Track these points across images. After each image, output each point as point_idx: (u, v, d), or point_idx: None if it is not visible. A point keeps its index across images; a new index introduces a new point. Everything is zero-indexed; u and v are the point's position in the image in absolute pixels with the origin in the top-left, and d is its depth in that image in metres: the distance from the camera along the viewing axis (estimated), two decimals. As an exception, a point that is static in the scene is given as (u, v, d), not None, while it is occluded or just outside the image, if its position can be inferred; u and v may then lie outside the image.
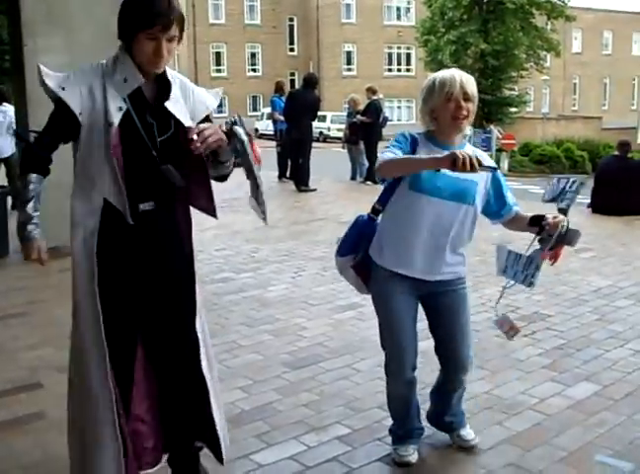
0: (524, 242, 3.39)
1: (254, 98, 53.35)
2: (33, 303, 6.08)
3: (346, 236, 3.52)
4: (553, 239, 3.16)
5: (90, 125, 2.67)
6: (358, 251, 3.44)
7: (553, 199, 3.32)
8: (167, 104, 2.75)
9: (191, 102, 2.85)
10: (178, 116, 2.76)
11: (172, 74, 2.84)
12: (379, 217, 3.41)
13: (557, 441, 3.65)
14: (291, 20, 54.56)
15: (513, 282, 3.40)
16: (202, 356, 2.94)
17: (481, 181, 3.22)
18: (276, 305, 6.05)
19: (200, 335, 2.94)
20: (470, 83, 3.15)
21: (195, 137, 2.63)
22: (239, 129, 2.78)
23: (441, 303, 3.36)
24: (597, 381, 4.43)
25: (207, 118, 2.89)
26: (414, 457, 3.45)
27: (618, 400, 4.16)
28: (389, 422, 3.80)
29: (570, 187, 3.28)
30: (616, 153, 12.08)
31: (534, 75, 44.99)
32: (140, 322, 2.87)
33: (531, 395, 4.22)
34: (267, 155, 17.37)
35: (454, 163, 2.75)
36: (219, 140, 2.70)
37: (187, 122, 2.76)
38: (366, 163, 15.09)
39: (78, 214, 2.74)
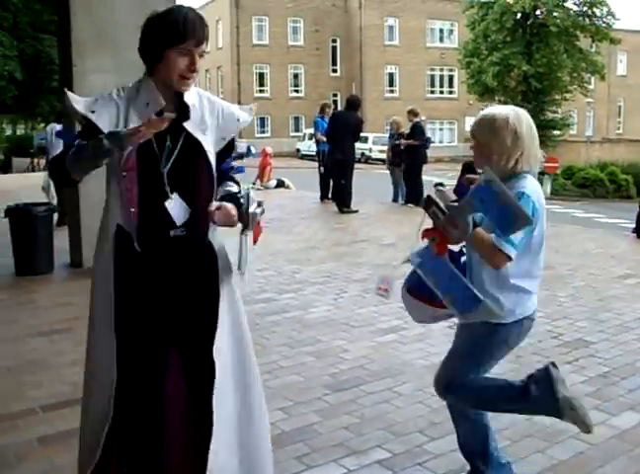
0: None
1: (296, 119, 53.68)
2: (77, 319, 6.12)
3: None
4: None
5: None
6: None
7: None
8: (186, 124, 2.73)
9: (220, 119, 2.85)
10: (196, 135, 2.75)
11: (198, 92, 2.84)
12: None
13: (601, 472, 3.59)
14: (334, 41, 54.91)
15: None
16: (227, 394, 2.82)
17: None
18: (317, 327, 6.05)
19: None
20: (475, 123, 3.09)
21: (212, 209, 2.65)
22: (255, 212, 2.79)
23: None
24: (642, 411, 4.36)
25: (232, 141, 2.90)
26: None
27: (664, 430, 4.08)
28: (430, 446, 3.80)
29: None
30: (662, 178, 11.91)
31: (578, 98, 44.74)
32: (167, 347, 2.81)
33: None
34: (309, 176, 17.46)
35: None
36: (230, 222, 2.71)
37: (208, 142, 2.77)
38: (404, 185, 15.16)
39: (99, 238, 2.80)
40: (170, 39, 2.62)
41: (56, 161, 2.74)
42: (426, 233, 2.97)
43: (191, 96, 2.79)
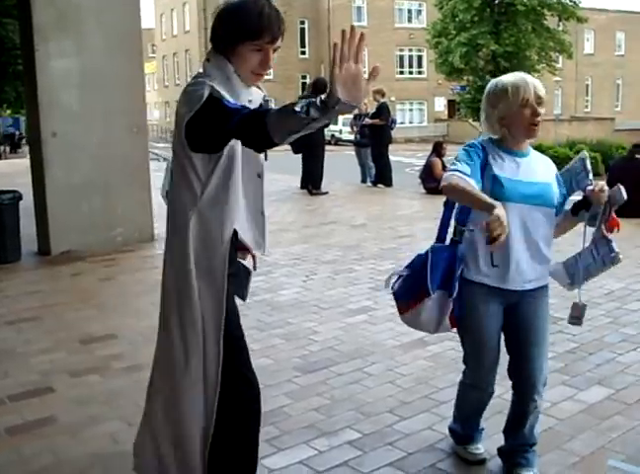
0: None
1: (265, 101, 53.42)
2: (44, 307, 6.10)
3: (432, 268, 3.17)
4: (604, 207, 3.06)
5: (233, 147, 2.53)
6: (450, 284, 3.16)
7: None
8: None
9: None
10: None
11: None
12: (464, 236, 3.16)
13: (569, 446, 3.63)
14: (302, 23, 54.67)
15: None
16: None
17: (553, 182, 3.18)
18: (287, 309, 6.04)
19: None
20: (541, 86, 3.02)
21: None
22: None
23: (525, 312, 3.24)
24: (609, 385, 4.40)
25: None
26: (486, 454, 3.46)
27: (631, 404, 4.12)
28: (400, 426, 3.81)
29: (577, 171, 3.23)
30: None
31: (546, 76, 44.90)
32: None
33: (543, 399, 4.19)
34: (279, 159, 17.27)
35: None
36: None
37: None
38: (373, 165, 15.04)
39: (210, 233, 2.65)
40: (243, 35, 2.47)
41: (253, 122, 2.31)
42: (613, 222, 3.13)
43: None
